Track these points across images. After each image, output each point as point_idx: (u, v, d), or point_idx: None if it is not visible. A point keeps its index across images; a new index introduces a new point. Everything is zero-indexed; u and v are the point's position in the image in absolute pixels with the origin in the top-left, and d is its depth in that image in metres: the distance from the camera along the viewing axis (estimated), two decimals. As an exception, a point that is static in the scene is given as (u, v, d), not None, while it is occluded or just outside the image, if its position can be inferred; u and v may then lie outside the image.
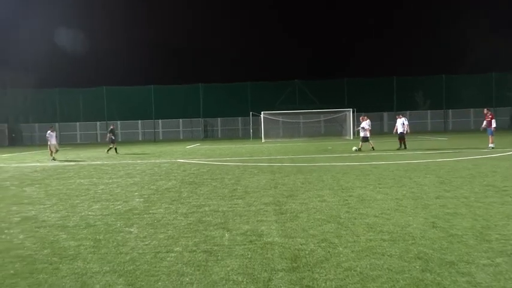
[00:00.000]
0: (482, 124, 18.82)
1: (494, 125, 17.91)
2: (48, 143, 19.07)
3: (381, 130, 41.96)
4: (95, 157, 20.32)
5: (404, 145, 18.85)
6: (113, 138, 22.44)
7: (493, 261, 4.08)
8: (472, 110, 42.22)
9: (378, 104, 40.95)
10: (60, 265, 4.40)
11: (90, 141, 41.59)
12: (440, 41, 49.64)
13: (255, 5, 56.47)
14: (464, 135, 31.94)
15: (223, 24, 54.28)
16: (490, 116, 18.17)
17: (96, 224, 6.16)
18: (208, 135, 42.71)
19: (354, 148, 18.16)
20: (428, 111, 43.53)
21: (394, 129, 20.01)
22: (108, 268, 4.26)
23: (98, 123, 42.58)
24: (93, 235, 5.56)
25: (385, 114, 43.13)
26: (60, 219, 6.56)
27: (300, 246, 4.77)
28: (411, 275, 3.80)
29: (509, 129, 38.83)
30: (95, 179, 11.51)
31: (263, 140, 32.75)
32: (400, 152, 17.38)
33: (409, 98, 43.00)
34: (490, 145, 17.71)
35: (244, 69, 47.39)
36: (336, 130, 36.75)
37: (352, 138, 32.93)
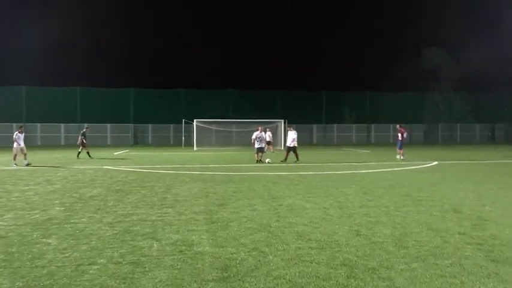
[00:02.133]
0: (398, 138, 20.40)
1: (400, 138, 19.84)
2: (15, 145, 16.64)
3: (310, 141, 43.62)
4: (8, 161, 18.62)
5: (297, 157, 18.35)
6: (84, 141, 21.22)
7: (409, 266, 4.38)
8: (391, 125, 45.51)
9: (308, 116, 42.59)
10: (-37, 282, 3.94)
11: (6, 144, 38.10)
12: (366, 59, 53.03)
13: (198, 5, 55.89)
14: (385, 148, 34.27)
15: (159, 27, 52.97)
16: (402, 130, 20.25)
17: (9, 236, 5.62)
18: (138, 142, 41.21)
19: (267, 160, 17.91)
20: (354, 125, 46.10)
21: (287, 141, 19.11)
22: (21, 284, 3.90)
23: (14, 125, 39.22)
24: (4, 247, 5.06)
25: (315, 127, 44.97)
26: (-35, 230, 5.88)
27: (230, 255, 4.75)
28: (337, 281, 3.95)
29: (423, 144, 42.41)
30: (8, 186, 10.53)
31: (195, 148, 32.35)
32: (327, 164, 18.13)
33: (337, 112, 45.23)
34: (398, 156, 19.80)
35: (177, 75, 46.60)
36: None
37: (282, 148, 33.76)
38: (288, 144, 18.68)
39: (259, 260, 4.56)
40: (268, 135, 18.91)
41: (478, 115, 45.69)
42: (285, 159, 18.23)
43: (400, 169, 15.27)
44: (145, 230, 5.89)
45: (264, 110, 39.09)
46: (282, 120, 35.05)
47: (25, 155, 16.90)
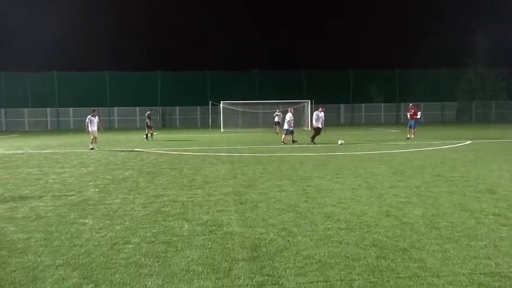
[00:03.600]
0: (421, 118, 20.09)
1: (419, 116, 19.56)
2: (90, 128, 16.67)
3: (337, 121, 43.09)
4: (45, 145, 19.36)
5: (313, 139, 18.09)
6: (149, 124, 22.64)
7: (442, 247, 4.31)
8: (422, 103, 44.22)
9: (335, 96, 41.96)
10: (9, 259, 4.17)
11: (40, 129, 39.55)
12: (395, 37, 51.36)
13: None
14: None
15: (183, 12, 52.91)
16: (412, 110, 20.03)
17: (48, 216, 5.88)
18: (166, 124, 41.87)
19: (340, 142, 17.42)
20: (382, 104, 45.09)
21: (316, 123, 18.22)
22: (61, 261, 4.09)
23: (48, 109, 40.56)
24: (44, 227, 5.30)
25: (342, 106, 44.32)
26: (7, 211, 6.20)
27: (259, 235, 4.80)
28: (367, 261, 3.94)
29: (456, 122, 41.10)
30: (45, 169, 10.97)
31: (222, 130, 32.61)
32: (356, 143, 17.89)
33: (364, 91, 44.32)
34: (409, 136, 19.59)
35: (203, 58, 46.66)
36: (295, 121, 37.30)
37: (309, 129, 33.51)
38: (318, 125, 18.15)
39: (288, 240, 4.60)
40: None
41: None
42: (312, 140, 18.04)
43: (432, 149, 14.89)
44: (176, 211, 6.03)
45: (290, 90, 38.77)
46: (309, 101, 34.72)
47: (94, 138, 16.82)
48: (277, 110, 28.69)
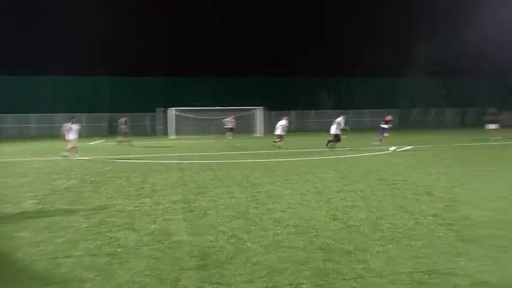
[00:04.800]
0: (380, 123, 21.16)
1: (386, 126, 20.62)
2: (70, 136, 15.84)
3: (288, 127, 43.92)
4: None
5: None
6: (125, 130, 22.63)
7: (384, 248, 4.49)
8: (367, 110, 46.30)
9: (287, 102, 42.80)
10: None
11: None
12: (343, 45, 53.29)
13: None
14: (361, 133, 34.80)
15: (135, 15, 51.42)
16: (389, 118, 21.16)
17: (-21, 230, 5.45)
18: (114, 131, 40.45)
19: (392, 148, 17.35)
20: (331, 111, 46.58)
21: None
22: (-7, 279, 3.80)
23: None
24: (-25, 243, 4.91)
25: (292, 113, 45.24)
26: None
27: (209, 243, 4.75)
28: (314, 265, 4.01)
29: (398, 128, 43.27)
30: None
31: (172, 137, 32.06)
32: (304, 150, 18.28)
33: (315, 98, 45.56)
34: (379, 141, 20.37)
35: (154, 63, 45.55)
36: (246, 127, 37.41)
37: (262, 135, 33.81)
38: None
39: (238, 247, 4.59)
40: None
41: (450, 100, 46.81)
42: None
43: (376, 154, 15.55)
44: (122, 221, 5.82)
45: (242, 97, 38.95)
46: (261, 107, 35.10)
47: (74, 147, 15.88)
48: (230, 117, 28.69)
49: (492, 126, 23.84)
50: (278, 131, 19.74)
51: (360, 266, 3.97)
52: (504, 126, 26.57)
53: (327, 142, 18.53)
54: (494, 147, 17.57)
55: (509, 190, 7.66)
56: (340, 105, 45.90)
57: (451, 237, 4.82)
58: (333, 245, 4.60)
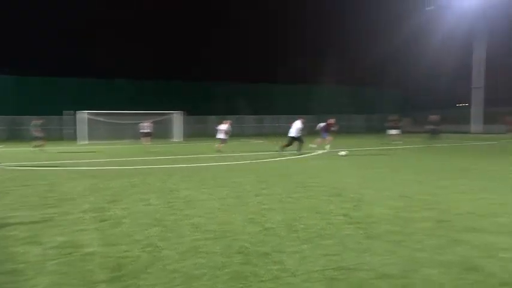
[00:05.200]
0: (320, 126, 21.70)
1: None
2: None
3: (206, 133, 43.74)
4: None
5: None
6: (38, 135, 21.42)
7: (299, 248, 4.69)
8: (283, 116, 48.03)
9: (204, 108, 42.67)
10: None
11: None
12: (260, 51, 54.82)
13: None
14: (278, 138, 35.98)
15: (43, 12, 47.29)
16: (331, 122, 21.53)
17: None
18: (15, 136, 36.78)
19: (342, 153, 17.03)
20: (249, 116, 47.48)
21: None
22: None
23: None
24: None
25: (211, 118, 45.22)
26: None
27: (123, 253, 4.55)
28: (232, 269, 4.05)
29: (312, 134, 45.48)
30: None
31: (84, 142, 30.13)
32: (223, 154, 18.37)
33: (233, 103, 46.08)
34: (315, 145, 20.98)
35: (65, 63, 42.36)
36: (163, 132, 36.51)
37: (181, 140, 33.27)
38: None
39: (154, 256, 4.46)
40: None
41: (358, 107, 50.53)
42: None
43: (293, 157, 16.17)
44: (25, 234, 5.33)
45: (160, 101, 37.99)
46: (180, 112, 34.56)
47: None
48: (147, 121, 27.76)
49: (393, 131, 26.25)
50: (220, 135, 20.07)
51: (276, 267, 4.10)
52: (403, 132, 29.27)
53: (281, 147, 18.12)
54: (397, 151, 19.30)
55: (408, 189, 8.46)
56: (258, 111, 47.12)
57: (358, 235, 5.18)
58: (250, 248, 4.69)
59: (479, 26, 43.27)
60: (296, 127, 18.12)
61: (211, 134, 43.47)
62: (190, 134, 37.64)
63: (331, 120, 21.71)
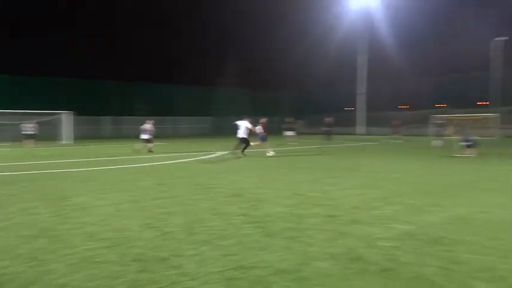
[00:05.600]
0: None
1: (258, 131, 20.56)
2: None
3: (99, 134, 41.15)
4: None
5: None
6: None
7: (198, 250, 4.67)
8: (184, 117, 47.51)
9: (97, 107, 40.14)
10: None
11: None
12: (162, 51, 53.42)
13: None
14: (180, 140, 35.42)
15: None
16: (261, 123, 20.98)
17: None
18: None
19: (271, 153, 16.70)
20: (148, 117, 45.99)
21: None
22: None
23: None
24: None
25: (106, 118, 42.69)
26: None
27: (3, 270, 4.06)
28: (128, 278, 3.88)
29: (212, 135, 45.70)
30: None
31: (-49, 145, 26.08)
32: (121, 157, 17.49)
33: (130, 103, 44.11)
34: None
35: None
36: (51, 134, 33.35)
37: (73, 142, 30.76)
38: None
39: (39, 271, 4.05)
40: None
41: (257, 109, 52.18)
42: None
43: (194, 159, 16.06)
44: None
45: (46, 99, 34.66)
46: (70, 112, 31.94)
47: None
48: (30, 122, 25.11)
49: (289, 133, 27.66)
50: (144, 135, 19.77)
51: (175, 272, 4.03)
52: (299, 133, 31.11)
53: (241, 150, 17.55)
54: (293, 152, 20.37)
55: (301, 188, 8.98)
56: (157, 112, 45.83)
57: (257, 234, 5.35)
58: (147, 254, 4.54)
59: (361, 35, 47.92)
60: (244, 128, 17.55)
61: (105, 136, 41.12)
62: (81, 136, 35.06)
63: (263, 120, 21.32)
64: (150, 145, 19.98)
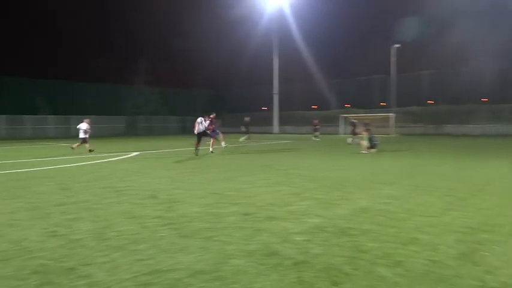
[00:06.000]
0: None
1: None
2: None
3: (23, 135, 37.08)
4: None
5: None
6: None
7: (110, 257, 4.40)
8: (94, 116, 44.67)
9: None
10: None
11: None
12: (63, 47, 49.46)
13: None
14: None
15: None
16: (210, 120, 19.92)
17: None
18: None
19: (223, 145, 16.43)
20: (51, 116, 42.32)
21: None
22: None
23: None
24: None
25: (3, 117, 38.48)
26: None
27: None
28: (28, 293, 3.51)
29: (125, 135, 43.67)
30: None
31: None
32: (18, 160, 15.87)
33: (29, 102, 40.27)
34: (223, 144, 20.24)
35: None
36: None
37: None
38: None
39: None
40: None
41: (171, 108, 51.07)
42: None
43: (102, 161, 15.17)
44: None
45: None
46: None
47: None
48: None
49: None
50: (81, 134, 19.25)
51: (83, 282, 3.74)
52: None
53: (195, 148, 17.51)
54: (207, 151, 20.29)
55: (217, 187, 8.97)
56: (62, 111, 42.54)
57: (172, 236, 5.21)
58: (51, 265, 4.15)
59: (275, 37, 49.47)
60: (199, 123, 17.91)
61: (4, 136, 36.99)
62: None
63: (212, 115, 20.21)
64: (86, 145, 19.43)
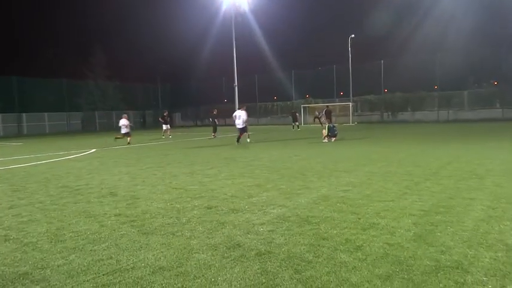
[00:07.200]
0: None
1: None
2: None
3: None
4: None
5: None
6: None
7: (67, 259, 4.24)
8: (46, 114, 42.72)
9: None
10: None
11: None
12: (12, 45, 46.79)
13: None
14: (40, 138, 31.74)
15: None
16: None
17: None
18: None
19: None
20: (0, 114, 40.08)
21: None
22: None
23: None
24: None
25: None
26: None
27: None
28: (-22, 302, 3.32)
29: (82, 132, 42.12)
30: None
31: None
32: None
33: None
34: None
35: None
36: None
37: None
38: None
39: None
40: None
41: (130, 103, 49.66)
42: None
43: (57, 160, 14.56)
44: None
45: None
46: None
47: None
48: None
49: (164, 126, 27.11)
50: (123, 129, 20.38)
51: (39, 286, 3.58)
52: (174, 126, 30.64)
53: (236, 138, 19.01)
54: (166, 145, 19.95)
55: (179, 181, 8.86)
56: (12, 108, 40.39)
57: (133, 233, 5.09)
58: (4, 271, 3.95)
59: (233, 29, 49.14)
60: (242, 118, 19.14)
61: None
62: None
63: (165, 112, 23.43)
64: (128, 138, 20.90)
